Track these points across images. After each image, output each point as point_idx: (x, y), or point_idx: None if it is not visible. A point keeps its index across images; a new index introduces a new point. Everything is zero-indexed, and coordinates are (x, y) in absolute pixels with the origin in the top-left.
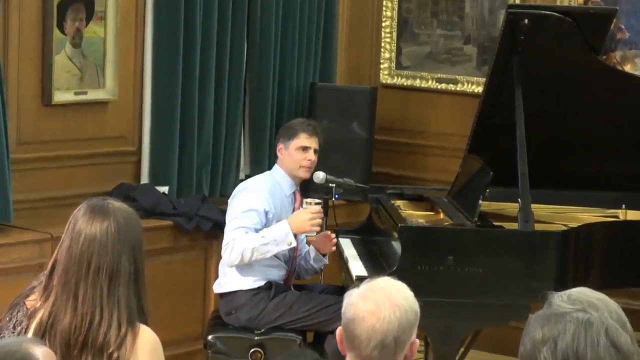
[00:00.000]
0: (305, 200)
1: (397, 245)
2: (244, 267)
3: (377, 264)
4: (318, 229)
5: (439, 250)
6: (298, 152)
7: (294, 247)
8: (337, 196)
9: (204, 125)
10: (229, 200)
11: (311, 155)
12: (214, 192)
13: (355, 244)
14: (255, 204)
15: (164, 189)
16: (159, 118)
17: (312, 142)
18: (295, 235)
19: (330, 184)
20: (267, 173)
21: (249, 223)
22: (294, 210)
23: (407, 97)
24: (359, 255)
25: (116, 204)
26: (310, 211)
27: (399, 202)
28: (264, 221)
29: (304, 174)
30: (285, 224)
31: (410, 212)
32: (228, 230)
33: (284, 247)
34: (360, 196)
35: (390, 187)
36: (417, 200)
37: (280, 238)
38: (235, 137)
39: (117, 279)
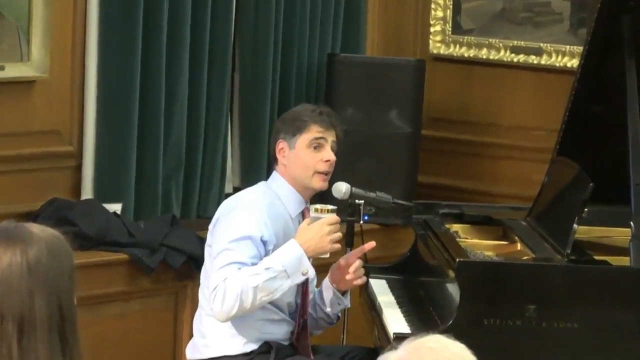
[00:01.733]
0: (312, 207)
1: (453, 290)
2: (234, 321)
3: (425, 316)
4: (339, 247)
5: (515, 297)
6: (309, 151)
7: (305, 286)
8: (366, 218)
9: (174, 118)
10: (211, 226)
11: (329, 155)
12: (188, 212)
13: (393, 287)
14: (250, 228)
15: (116, 208)
16: (108, 106)
17: (329, 136)
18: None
19: (356, 201)
20: (261, 185)
21: (243, 256)
22: None
23: (468, 75)
24: (398, 303)
25: (35, 227)
26: (326, 222)
27: (456, 227)
28: (262, 253)
29: (319, 184)
30: (295, 246)
31: (474, 241)
32: (215, 268)
33: (298, 279)
34: (400, 218)
35: (444, 205)
36: (484, 224)
37: (291, 266)
38: (218, 134)
39: (31, 330)
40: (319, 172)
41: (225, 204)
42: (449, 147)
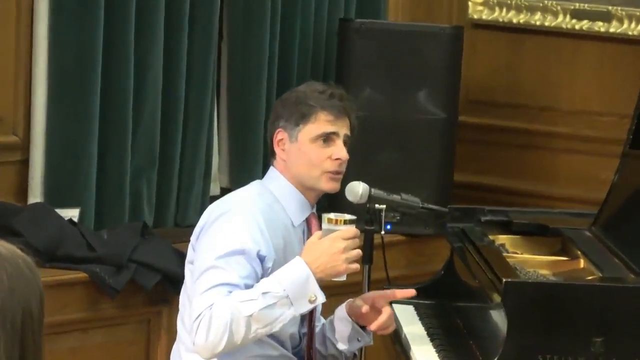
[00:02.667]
0: (325, 216)
1: (499, 318)
2: (222, 357)
3: (463, 352)
4: (357, 267)
5: (577, 328)
6: (315, 146)
7: (311, 313)
8: (388, 227)
9: (145, 100)
10: (193, 237)
11: (340, 151)
12: (163, 219)
13: (423, 314)
14: (243, 240)
15: (72, 214)
16: (61, 86)
17: (342, 127)
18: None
19: (376, 205)
20: (256, 185)
21: (234, 276)
22: None
23: (518, 46)
24: (429, 335)
25: None
26: (342, 236)
27: (503, 239)
28: (259, 272)
29: (328, 185)
30: (300, 265)
31: (525, 256)
32: (199, 291)
33: (303, 308)
34: (431, 227)
35: (487, 211)
36: (537, 234)
37: (295, 291)
38: (201, 120)
39: None
40: (328, 171)
41: (212, 210)
42: (492, 138)
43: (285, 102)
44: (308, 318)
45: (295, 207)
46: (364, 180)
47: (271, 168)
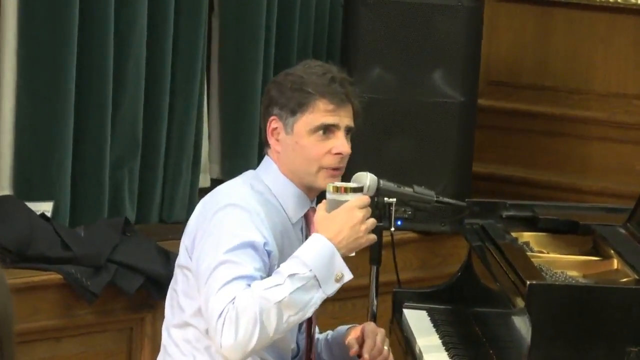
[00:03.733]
0: (330, 185)
1: (523, 325)
2: None
3: None
4: (375, 238)
5: (610, 335)
6: (313, 139)
7: (309, 320)
8: (399, 223)
9: (127, 81)
10: (187, 238)
11: (342, 145)
12: (147, 215)
13: (438, 321)
14: (251, 232)
15: (45, 208)
16: (32, 65)
17: (344, 117)
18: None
19: (385, 199)
20: (249, 175)
21: (249, 268)
22: None
23: (544, 20)
24: (444, 344)
25: None
26: (357, 205)
27: (527, 237)
28: (267, 265)
29: (327, 182)
30: (322, 241)
31: (552, 256)
32: (213, 290)
33: (331, 289)
34: (447, 224)
35: (509, 205)
36: (566, 232)
37: (321, 270)
38: (190, 104)
39: None
40: (326, 167)
41: (205, 205)
42: (516, 123)
43: (280, 84)
44: (307, 324)
45: (293, 203)
46: (372, 171)
47: (265, 158)
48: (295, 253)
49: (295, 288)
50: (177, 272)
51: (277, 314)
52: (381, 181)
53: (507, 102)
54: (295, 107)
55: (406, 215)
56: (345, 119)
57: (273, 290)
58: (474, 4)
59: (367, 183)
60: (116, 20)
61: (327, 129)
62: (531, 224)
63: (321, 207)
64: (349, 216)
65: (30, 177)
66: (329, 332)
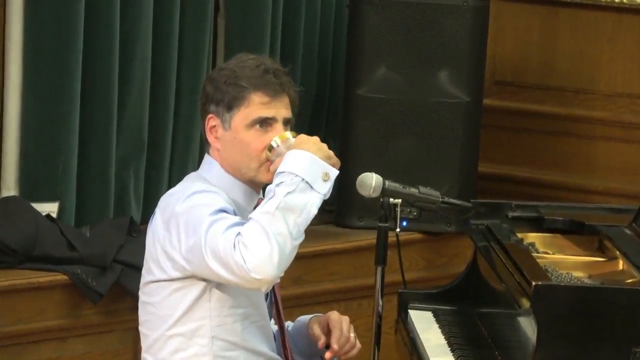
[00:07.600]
0: (274, 140)
1: (528, 326)
2: None
3: None
4: (338, 162)
5: (615, 336)
6: (252, 132)
7: (277, 307)
8: (404, 224)
9: (133, 81)
10: (152, 243)
11: None
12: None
13: (443, 322)
14: (220, 203)
15: (50, 209)
16: (38, 63)
17: (280, 109)
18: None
19: (391, 200)
20: (193, 177)
21: (235, 219)
22: None
23: (550, 19)
24: (449, 345)
25: None
26: (315, 139)
27: (533, 237)
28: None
29: (268, 176)
30: (297, 151)
31: (557, 256)
32: (215, 240)
33: (323, 188)
34: (453, 224)
35: (515, 206)
36: (571, 232)
37: (306, 171)
38: (196, 105)
39: None
40: (267, 161)
41: (167, 206)
42: (522, 123)
43: (214, 82)
44: (275, 313)
45: (242, 198)
46: (377, 172)
47: (206, 157)
48: (277, 171)
49: (287, 192)
50: (144, 269)
51: (281, 219)
52: (386, 182)
53: (513, 102)
54: (231, 102)
55: (412, 216)
56: (282, 110)
57: (268, 203)
58: (479, 4)
59: (372, 184)
60: (122, 21)
61: (265, 122)
62: (537, 225)
63: (277, 161)
64: (305, 138)
65: (36, 178)
66: (289, 323)
